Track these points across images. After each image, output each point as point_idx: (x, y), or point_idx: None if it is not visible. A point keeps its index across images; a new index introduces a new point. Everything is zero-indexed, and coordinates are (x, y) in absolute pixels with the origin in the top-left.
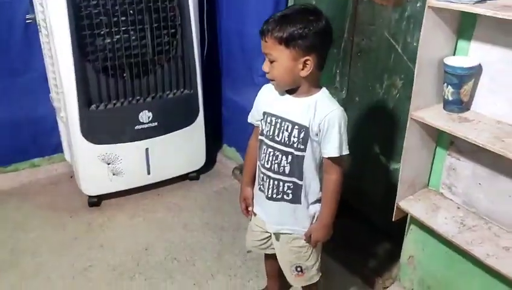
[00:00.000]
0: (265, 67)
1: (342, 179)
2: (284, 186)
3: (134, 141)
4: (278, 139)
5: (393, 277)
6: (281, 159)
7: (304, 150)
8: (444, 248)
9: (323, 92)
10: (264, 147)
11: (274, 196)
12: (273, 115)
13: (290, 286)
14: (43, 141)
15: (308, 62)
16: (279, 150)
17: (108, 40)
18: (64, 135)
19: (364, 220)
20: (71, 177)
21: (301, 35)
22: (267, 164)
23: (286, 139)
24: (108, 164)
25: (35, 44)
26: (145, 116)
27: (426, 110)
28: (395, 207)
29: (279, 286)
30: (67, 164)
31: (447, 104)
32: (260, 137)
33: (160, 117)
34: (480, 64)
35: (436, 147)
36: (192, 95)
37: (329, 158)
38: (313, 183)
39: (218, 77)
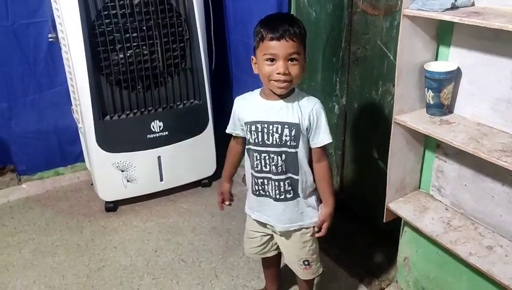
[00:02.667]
0: (285, 68)
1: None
2: (284, 185)
3: (146, 149)
4: (269, 142)
5: (390, 278)
6: (277, 159)
7: (296, 146)
8: (435, 249)
9: (296, 89)
10: (256, 154)
11: (278, 196)
12: (257, 122)
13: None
14: (67, 150)
15: (305, 62)
16: (272, 152)
17: (121, 55)
18: (84, 144)
19: (365, 223)
20: (91, 184)
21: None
22: (266, 167)
23: (278, 140)
24: (123, 171)
25: (59, 61)
26: (156, 125)
27: (410, 114)
28: (385, 209)
29: (277, 287)
30: (88, 172)
31: (429, 108)
32: (248, 146)
33: (171, 127)
34: (459, 68)
35: (424, 150)
36: (201, 105)
37: (321, 147)
38: (308, 176)
39: (228, 87)
